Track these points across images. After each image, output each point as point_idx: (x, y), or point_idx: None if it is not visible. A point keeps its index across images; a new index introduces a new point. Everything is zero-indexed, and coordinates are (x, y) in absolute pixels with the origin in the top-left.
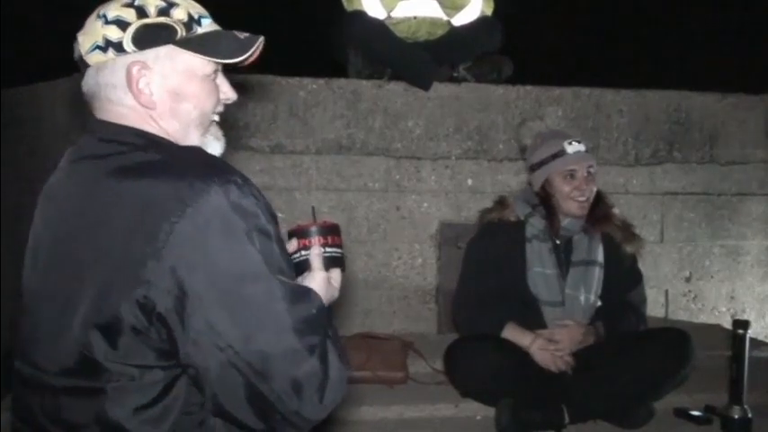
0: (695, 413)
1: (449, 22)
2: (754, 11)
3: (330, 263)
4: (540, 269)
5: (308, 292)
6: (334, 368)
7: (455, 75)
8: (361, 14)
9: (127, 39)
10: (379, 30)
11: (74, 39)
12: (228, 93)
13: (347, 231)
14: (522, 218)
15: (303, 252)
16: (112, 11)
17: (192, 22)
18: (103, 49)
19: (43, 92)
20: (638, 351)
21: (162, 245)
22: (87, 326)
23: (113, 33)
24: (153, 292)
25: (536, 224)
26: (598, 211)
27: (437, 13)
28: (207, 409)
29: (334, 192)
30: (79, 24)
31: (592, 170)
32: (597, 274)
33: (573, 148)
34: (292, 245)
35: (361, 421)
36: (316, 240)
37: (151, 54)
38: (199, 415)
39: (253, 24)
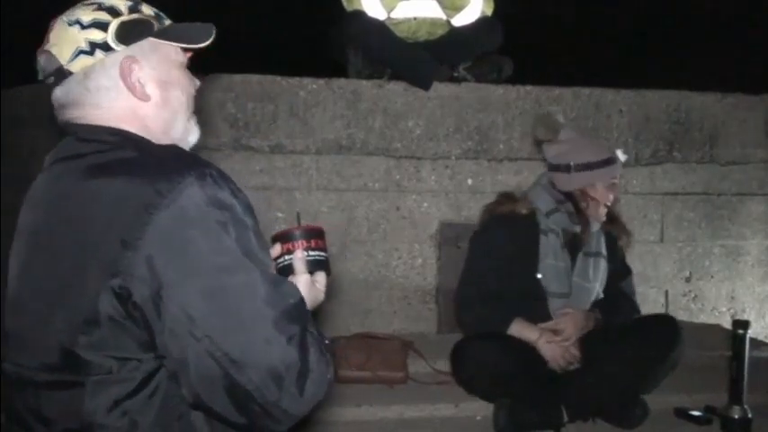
0: (695, 413)
1: (449, 22)
2: (754, 11)
3: (314, 266)
4: (552, 261)
5: (284, 282)
6: (315, 361)
7: (455, 75)
8: (361, 14)
9: (111, 37)
10: (379, 30)
11: (39, 55)
12: (195, 80)
13: (347, 231)
14: (545, 212)
15: (287, 257)
16: (86, 15)
17: (158, 16)
18: (89, 52)
19: (43, 92)
20: (627, 341)
21: (139, 235)
22: (68, 319)
23: (96, 35)
24: (129, 281)
25: (559, 220)
26: (611, 212)
27: (437, 13)
28: (187, 402)
29: (334, 192)
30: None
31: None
32: (603, 264)
33: (623, 157)
34: (276, 249)
35: (361, 421)
36: (299, 244)
37: (136, 48)
38: (179, 408)
39: (253, 25)
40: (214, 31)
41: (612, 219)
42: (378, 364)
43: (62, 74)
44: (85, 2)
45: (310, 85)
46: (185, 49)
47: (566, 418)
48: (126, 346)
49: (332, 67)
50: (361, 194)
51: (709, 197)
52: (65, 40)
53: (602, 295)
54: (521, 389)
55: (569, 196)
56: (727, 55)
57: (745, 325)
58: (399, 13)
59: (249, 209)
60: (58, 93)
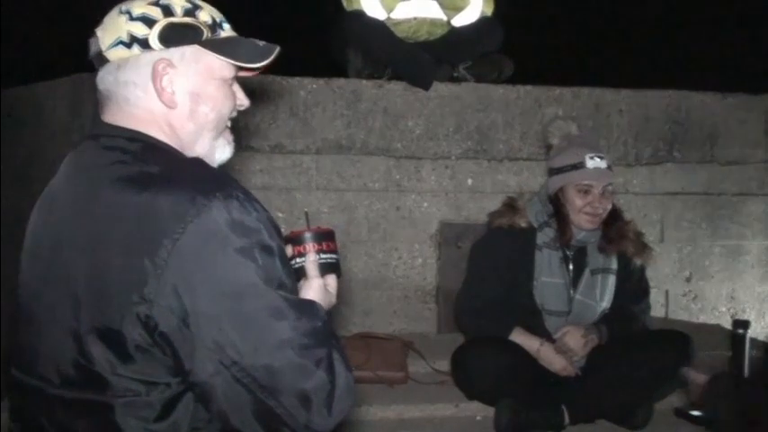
0: (695, 413)
1: (449, 23)
2: (754, 11)
3: (325, 269)
4: (548, 279)
5: (312, 305)
6: (342, 377)
7: (455, 75)
8: (361, 14)
9: (153, 36)
10: (379, 30)
11: (90, 35)
12: (243, 99)
13: (347, 231)
14: (536, 225)
15: (298, 259)
16: (138, 8)
17: (215, 25)
18: (128, 44)
19: (43, 92)
20: (640, 353)
21: (163, 262)
22: (89, 339)
23: (139, 30)
24: (155, 310)
25: (549, 233)
26: (613, 230)
27: (437, 14)
28: (214, 426)
29: (334, 192)
30: (78, 25)
31: (609, 188)
32: (612, 281)
33: (593, 163)
34: (287, 252)
35: (361, 421)
36: (310, 247)
37: (177, 53)
38: (206, 430)
39: (253, 24)
40: (273, 55)
41: (619, 240)
42: (378, 364)
43: (100, 59)
44: None
45: (310, 85)
46: (240, 67)
47: (567, 420)
48: (154, 371)
49: (332, 67)
50: (361, 194)
51: (709, 197)
52: (111, 27)
53: (607, 311)
54: (522, 389)
55: (555, 204)
56: (727, 55)
57: (745, 325)
58: (399, 13)
59: (275, 230)
60: (98, 77)
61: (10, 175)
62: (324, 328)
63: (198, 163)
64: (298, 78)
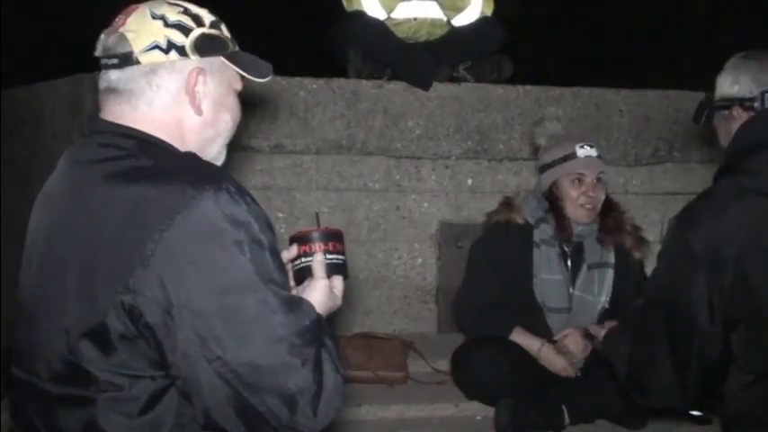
0: (695, 413)
1: (449, 23)
2: (754, 11)
3: (332, 270)
4: (547, 276)
5: (300, 303)
6: (330, 379)
7: (455, 75)
8: (361, 14)
9: (189, 44)
10: (379, 30)
11: (107, 34)
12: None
13: (347, 231)
14: (533, 222)
15: (304, 259)
16: (171, 15)
17: (233, 40)
18: (165, 50)
19: (43, 92)
20: None
21: (150, 253)
22: (75, 332)
23: (177, 37)
24: (140, 300)
25: (546, 229)
26: (610, 220)
27: (437, 14)
28: (199, 422)
29: (334, 192)
30: (78, 25)
31: (602, 176)
32: (610, 276)
33: (584, 152)
34: (293, 251)
35: (361, 421)
36: (317, 247)
37: (207, 62)
38: (191, 427)
39: (253, 24)
40: (271, 72)
41: (616, 231)
42: (378, 363)
43: (128, 60)
44: (171, 1)
45: (310, 85)
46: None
47: (567, 420)
48: (138, 364)
49: (332, 67)
50: (361, 194)
51: None
52: (144, 30)
53: (607, 306)
54: (522, 389)
55: (550, 200)
56: (727, 55)
57: None
58: (399, 13)
59: (266, 224)
60: (114, 76)
61: (10, 174)
62: (312, 327)
63: (190, 157)
64: (298, 78)
